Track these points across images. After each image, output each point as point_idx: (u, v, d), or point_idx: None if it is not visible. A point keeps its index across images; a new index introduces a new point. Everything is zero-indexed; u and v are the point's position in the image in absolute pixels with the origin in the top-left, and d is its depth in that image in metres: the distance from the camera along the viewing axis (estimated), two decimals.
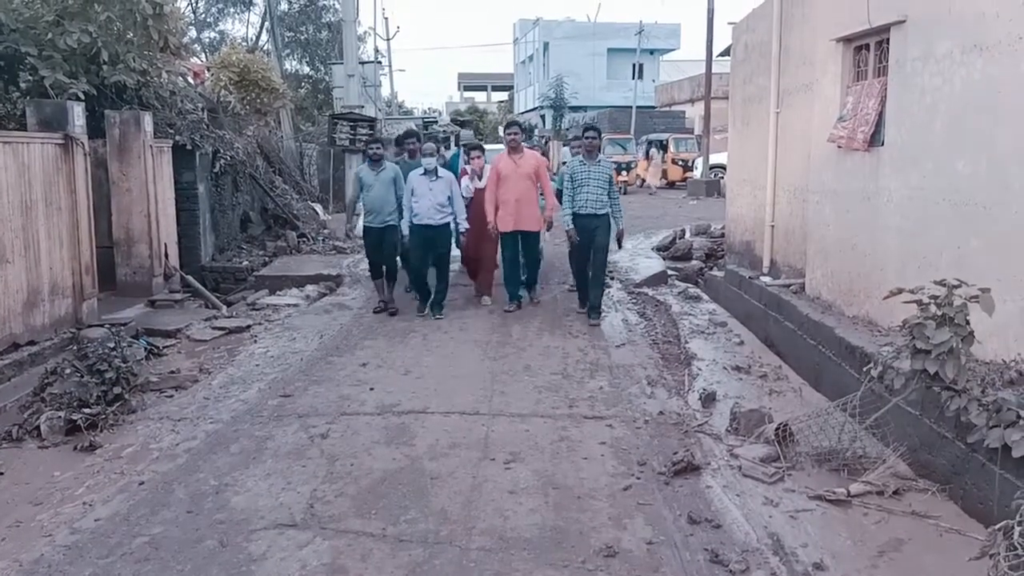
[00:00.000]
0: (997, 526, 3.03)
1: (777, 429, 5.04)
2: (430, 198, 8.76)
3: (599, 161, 8.73)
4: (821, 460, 4.80)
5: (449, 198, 8.88)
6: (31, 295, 7.47)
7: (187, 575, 3.71)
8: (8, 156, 7.13)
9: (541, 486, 4.56)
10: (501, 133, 9.50)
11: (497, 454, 5.04)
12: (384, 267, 9.33)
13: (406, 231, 8.98)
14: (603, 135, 9.19)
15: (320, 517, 4.24)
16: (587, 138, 8.79)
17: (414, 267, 9.22)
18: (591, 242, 8.62)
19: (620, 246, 9.29)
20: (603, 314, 8.92)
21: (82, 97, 9.53)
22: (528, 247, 9.31)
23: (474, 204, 9.56)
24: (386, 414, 5.80)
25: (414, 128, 12.31)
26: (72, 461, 5.21)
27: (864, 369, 4.82)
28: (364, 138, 14.38)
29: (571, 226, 8.60)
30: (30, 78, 10.10)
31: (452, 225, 9.00)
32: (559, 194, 9.17)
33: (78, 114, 8.38)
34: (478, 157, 9.92)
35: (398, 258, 9.59)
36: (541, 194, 9.28)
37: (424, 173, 8.83)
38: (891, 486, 4.37)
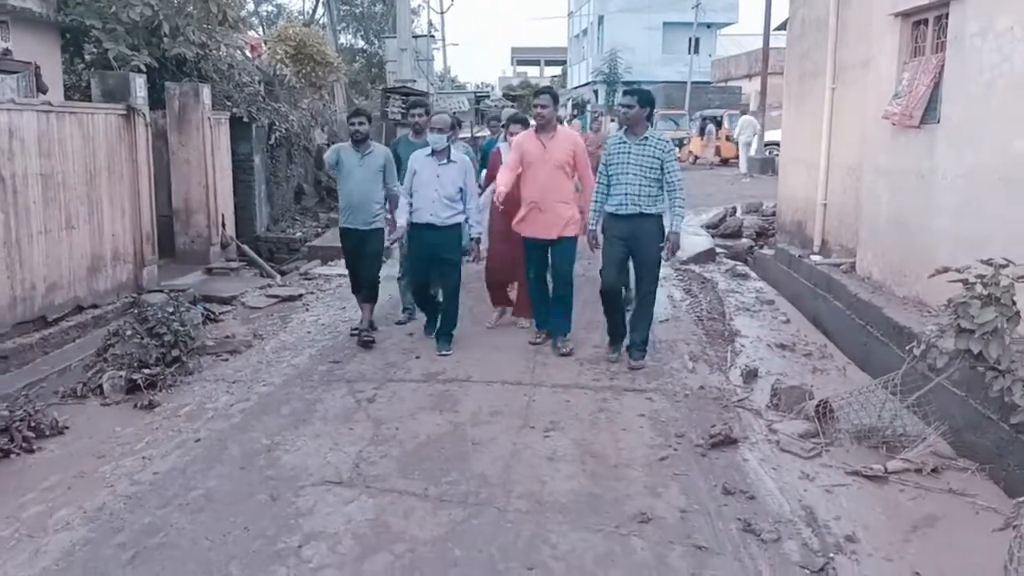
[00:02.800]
0: (1022, 498, 3.05)
1: (817, 406, 5.05)
2: (436, 188, 6.49)
3: (645, 138, 6.12)
4: (861, 437, 4.80)
5: (461, 190, 6.57)
6: (95, 260, 7.78)
7: (239, 525, 3.90)
8: (74, 126, 7.41)
9: (579, 454, 4.66)
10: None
11: (537, 422, 5.16)
12: (364, 282, 7.20)
13: (402, 222, 6.69)
14: (655, 106, 6.52)
15: (365, 476, 4.40)
16: (624, 107, 6.23)
17: (414, 281, 6.99)
18: (632, 254, 6.25)
19: (672, 254, 6.44)
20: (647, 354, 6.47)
21: (143, 69, 9.82)
22: (560, 261, 6.69)
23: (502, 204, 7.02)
24: (431, 381, 5.95)
25: (423, 99, 10.09)
26: (132, 418, 5.47)
27: (907, 348, 4.80)
28: (416, 113, 14.50)
29: (594, 227, 6.34)
30: (94, 50, 10.46)
31: (464, 228, 6.78)
32: None
33: (140, 86, 8.64)
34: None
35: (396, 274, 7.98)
36: (579, 188, 7.14)
37: (431, 154, 6.54)
38: (930, 464, 4.37)
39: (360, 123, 6.95)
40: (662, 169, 6.09)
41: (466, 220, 6.70)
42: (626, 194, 6.09)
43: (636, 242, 6.16)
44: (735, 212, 14.49)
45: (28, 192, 6.70)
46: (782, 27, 17.81)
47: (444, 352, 6.63)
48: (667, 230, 6.14)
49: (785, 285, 9.48)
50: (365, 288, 7.20)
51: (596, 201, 6.33)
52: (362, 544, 3.71)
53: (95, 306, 7.69)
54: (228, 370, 6.47)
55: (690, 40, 41.84)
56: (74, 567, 3.57)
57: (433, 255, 6.61)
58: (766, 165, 23.12)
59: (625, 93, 6.42)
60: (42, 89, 9.53)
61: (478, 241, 6.87)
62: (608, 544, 3.69)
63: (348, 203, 7.01)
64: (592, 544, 3.69)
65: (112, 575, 3.51)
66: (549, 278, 6.87)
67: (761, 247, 12.07)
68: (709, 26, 45.74)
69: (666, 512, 3.98)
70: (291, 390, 5.90)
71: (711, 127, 28.99)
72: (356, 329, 7.30)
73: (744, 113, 26.77)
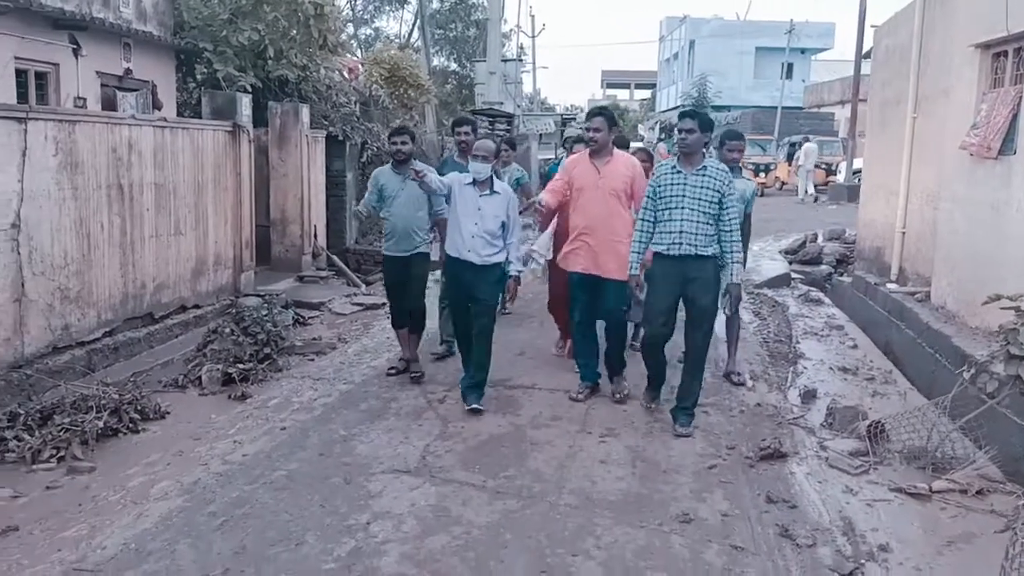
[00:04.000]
0: (1022, 502, 3.18)
1: (870, 426, 5.19)
2: (476, 222, 5.76)
3: (703, 168, 5.32)
4: (910, 458, 4.92)
5: (504, 225, 5.86)
6: (198, 265, 8.45)
7: (316, 503, 4.33)
8: (185, 140, 8.10)
9: (631, 459, 4.93)
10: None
11: (594, 428, 5.46)
12: (410, 312, 6.62)
13: (435, 255, 6.38)
14: (714, 132, 5.94)
15: (431, 467, 4.78)
16: (684, 131, 5.37)
17: (454, 309, 6.26)
18: (683, 302, 5.44)
19: (734, 310, 6.06)
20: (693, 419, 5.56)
21: (249, 89, 10.58)
22: (612, 301, 5.97)
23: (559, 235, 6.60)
24: (497, 386, 6.30)
25: (468, 116, 9.49)
26: (226, 407, 6.00)
27: (957, 371, 4.90)
28: (501, 133, 14.97)
29: (636, 271, 5.52)
30: (205, 71, 11.29)
31: (506, 266, 6.01)
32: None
33: (245, 105, 9.33)
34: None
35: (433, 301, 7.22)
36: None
37: (472, 183, 5.86)
38: (975, 486, 4.47)
39: (403, 142, 6.42)
40: (720, 204, 5.30)
41: (506, 258, 5.97)
42: (680, 232, 5.28)
43: (689, 288, 5.34)
44: (816, 239, 14.43)
45: (142, 200, 7.38)
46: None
47: (474, 407, 5.75)
48: (725, 281, 5.38)
49: (859, 312, 9.49)
50: (412, 316, 6.62)
51: (639, 241, 5.50)
52: (423, 525, 4.08)
53: (197, 306, 8.34)
54: (313, 368, 6.98)
55: (783, 65, 41.40)
56: (171, 530, 4.04)
57: (468, 295, 5.92)
58: (853, 192, 22.74)
59: (683, 116, 5.51)
60: (157, 106, 10.39)
61: (517, 280, 6.16)
62: (649, 539, 3.96)
63: (392, 229, 6.52)
64: (634, 538, 3.97)
65: (204, 538, 3.96)
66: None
67: (841, 274, 12.04)
68: (803, 51, 45.15)
69: (708, 514, 4.21)
70: (369, 388, 6.36)
71: (798, 153, 28.64)
72: (396, 366, 6.80)
73: (808, 140, 26.76)
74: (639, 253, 5.52)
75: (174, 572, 3.67)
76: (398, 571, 3.66)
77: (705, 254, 5.32)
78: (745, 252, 6.02)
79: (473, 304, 5.92)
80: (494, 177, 5.95)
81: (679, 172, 5.36)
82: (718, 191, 5.30)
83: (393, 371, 6.75)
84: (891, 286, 8.90)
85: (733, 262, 5.32)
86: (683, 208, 5.30)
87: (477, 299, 5.89)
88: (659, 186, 5.40)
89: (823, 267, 12.76)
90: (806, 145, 25.89)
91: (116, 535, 3.99)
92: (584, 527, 4.08)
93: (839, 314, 9.54)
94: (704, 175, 5.34)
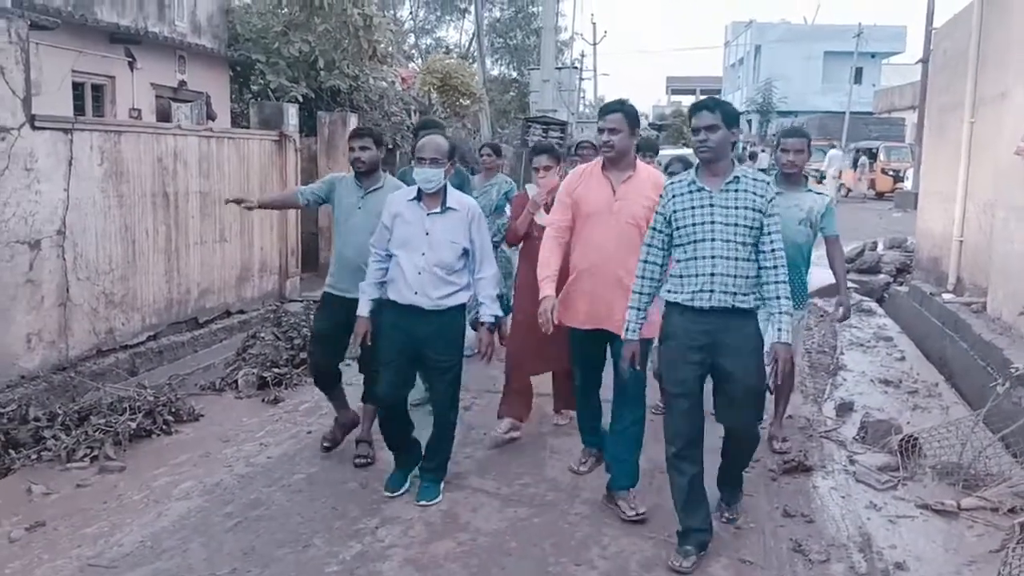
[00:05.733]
0: (1019, 520, 3.03)
1: (902, 440, 5.01)
2: (424, 251, 4.23)
3: (735, 180, 3.73)
4: (943, 474, 4.74)
5: (465, 252, 4.32)
6: (243, 271, 8.66)
7: (328, 506, 4.39)
8: (231, 149, 8.32)
9: (649, 469, 4.83)
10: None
11: None
12: (337, 370, 5.17)
13: (364, 311, 4.40)
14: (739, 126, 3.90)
15: (447, 473, 4.78)
16: (703, 130, 3.71)
17: (381, 396, 4.49)
18: (716, 377, 3.85)
19: (781, 379, 4.03)
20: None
21: (300, 100, 10.82)
22: (629, 368, 3.98)
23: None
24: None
25: (434, 117, 7.87)
26: (259, 410, 6.12)
27: (990, 385, 4.70)
28: (555, 140, 14.96)
29: (635, 335, 3.89)
30: (260, 82, 11.59)
31: (478, 310, 4.55)
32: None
33: (292, 115, 9.55)
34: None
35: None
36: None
37: (417, 199, 4.29)
38: (1007, 503, 4.28)
39: (362, 148, 4.72)
40: (761, 228, 3.70)
41: (478, 301, 4.46)
42: (712, 275, 3.65)
43: (723, 358, 3.72)
44: (875, 247, 14.01)
45: (188, 207, 7.60)
46: None
47: (426, 502, 4.37)
48: (769, 340, 3.77)
49: (914, 324, 9.19)
50: (331, 379, 5.14)
51: (640, 292, 3.85)
52: (431, 530, 4.10)
53: (242, 312, 8.55)
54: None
55: (851, 69, 40.46)
56: (186, 529, 4.14)
57: (416, 355, 4.31)
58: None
59: (697, 108, 3.79)
60: (211, 116, 10.70)
61: (492, 329, 4.45)
62: (655, 550, 3.90)
63: (339, 258, 4.89)
64: (640, 548, 3.91)
65: (216, 538, 4.05)
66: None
67: (900, 284, 11.68)
68: (873, 55, 44.08)
69: (721, 528, 4.12)
70: None
71: (864, 159, 27.97)
72: (329, 436, 5.17)
73: (834, 147, 26.25)
74: (640, 309, 3.84)
75: (184, 570, 3.76)
76: None
77: (745, 306, 3.71)
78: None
79: (424, 371, 4.46)
80: (448, 188, 4.33)
81: (702, 190, 3.72)
82: (759, 210, 3.68)
83: (328, 445, 5.07)
84: (947, 296, 8.61)
85: (780, 312, 3.70)
86: (713, 241, 3.66)
87: (431, 361, 4.33)
88: (675, 211, 3.75)
89: (881, 276, 12.38)
90: (831, 152, 25.37)
91: (134, 533, 4.11)
92: (591, 536, 4.04)
93: (890, 325, 9.25)
94: (738, 190, 3.70)
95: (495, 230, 6.60)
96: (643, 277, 3.86)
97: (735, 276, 3.67)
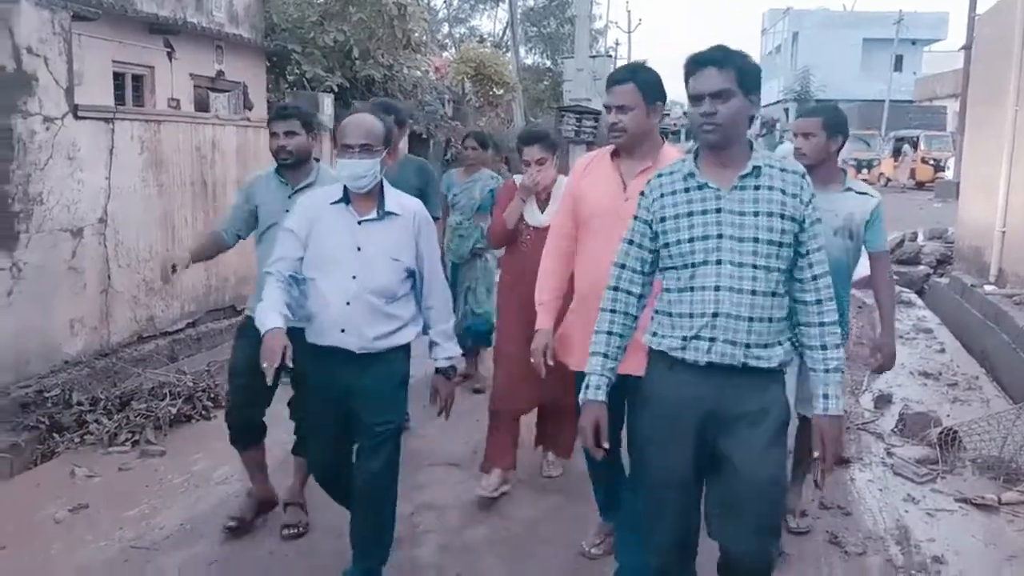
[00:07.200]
0: None
1: (941, 433, 4.94)
2: (356, 273, 3.08)
3: (755, 171, 2.47)
4: (984, 467, 4.67)
5: (410, 274, 3.20)
6: None
7: None
8: (262, 139, 8.39)
9: None
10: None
11: None
12: (260, 422, 4.00)
13: (276, 321, 2.87)
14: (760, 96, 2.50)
15: (479, 463, 4.80)
16: (702, 97, 2.43)
17: (312, 471, 3.67)
18: (714, 464, 2.55)
19: (828, 474, 3.67)
20: None
21: (335, 89, 10.89)
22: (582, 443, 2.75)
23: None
24: None
25: (389, 100, 7.09)
26: None
27: None
28: (588, 129, 14.88)
29: (599, 395, 2.59)
30: (296, 72, 11.68)
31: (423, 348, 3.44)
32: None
33: (327, 104, 9.63)
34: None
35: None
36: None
37: (343, 200, 3.13)
38: None
39: (287, 133, 3.75)
40: (797, 246, 2.49)
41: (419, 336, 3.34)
42: (713, 315, 2.45)
43: (725, 439, 2.50)
44: (916, 237, 13.79)
45: (226, 196, 7.68)
46: None
47: None
48: (817, 410, 2.50)
49: (955, 315, 9.05)
50: (252, 433, 4.03)
51: (610, 332, 2.64)
52: (465, 517, 4.14)
53: None
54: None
55: (891, 57, 39.73)
56: (222, 513, 4.20)
57: (345, 411, 3.21)
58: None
59: (698, 62, 2.48)
60: (248, 106, 10.80)
61: (449, 376, 3.47)
62: None
63: (262, 276, 3.32)
64: None
65: (253, 522, 4.10)
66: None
67: (940, 275, 11.49)
68: (914, 42, 43.22)
69: None
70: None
71: (907, 148, 27.50)
72: (237, 515, 4.03)
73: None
74: (607, 356, 2.63)
75: (223, 553, 3.83)
76: (432, 561, 3.71)
77: (763, 364, 2.47)
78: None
79: (355, 434, 3.27)
80: (385, 185, 3.17)
81: (704, 188, 2.51)
82: (792, 218, 2.46)
83: (234, 522, 3.97)
84: (988, 288, 8.46)
85: (827, 368, 2.50)
86: (719, 264, 2.46)
87: (361, 426, 3.21)
88: (663, 218, 2.55)
89: (921, 267, 12.18)
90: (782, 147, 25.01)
91: (175, 516, 4.19)
92: None
93: (930, 316, 9.11)
94: (758, 188, 2.47)
95: (478, 236, 5.92)
96: (612, 311, 2.64)
97: (750, 319, 2.43)
